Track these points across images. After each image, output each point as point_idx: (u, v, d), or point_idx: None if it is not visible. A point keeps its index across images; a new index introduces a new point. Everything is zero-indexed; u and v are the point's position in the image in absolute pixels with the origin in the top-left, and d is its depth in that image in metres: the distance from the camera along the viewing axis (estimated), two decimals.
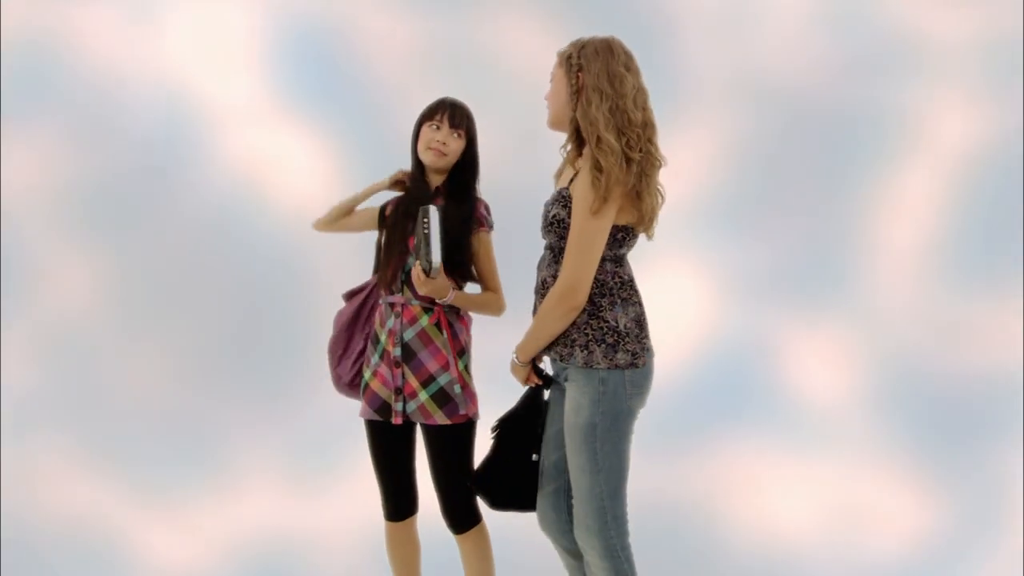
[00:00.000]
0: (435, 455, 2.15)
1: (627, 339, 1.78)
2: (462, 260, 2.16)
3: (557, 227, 1.81)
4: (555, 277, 1.82)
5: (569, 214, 1.79)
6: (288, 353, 2.76)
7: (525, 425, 1.94)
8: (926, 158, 2.76)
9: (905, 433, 2.65)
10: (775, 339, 2.70)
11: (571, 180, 1.84)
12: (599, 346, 1.77)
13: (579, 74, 1.81)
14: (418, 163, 2.22)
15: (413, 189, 2.22)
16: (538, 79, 2.07)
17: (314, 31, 2.82)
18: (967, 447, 2.59)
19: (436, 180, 2.23)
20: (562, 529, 1.90)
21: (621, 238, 1.81)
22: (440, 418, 2.09)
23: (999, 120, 2.73)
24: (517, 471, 1.93)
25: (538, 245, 1.95)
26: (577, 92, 1.81)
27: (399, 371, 2.12)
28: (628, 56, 1.84)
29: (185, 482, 2.47)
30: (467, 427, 2.12)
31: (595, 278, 1.78)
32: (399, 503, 2.17)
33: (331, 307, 2.23)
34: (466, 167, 2.24)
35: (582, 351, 1.77)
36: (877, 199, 2.79)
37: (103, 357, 2.71)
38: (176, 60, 2.77)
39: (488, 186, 2.24)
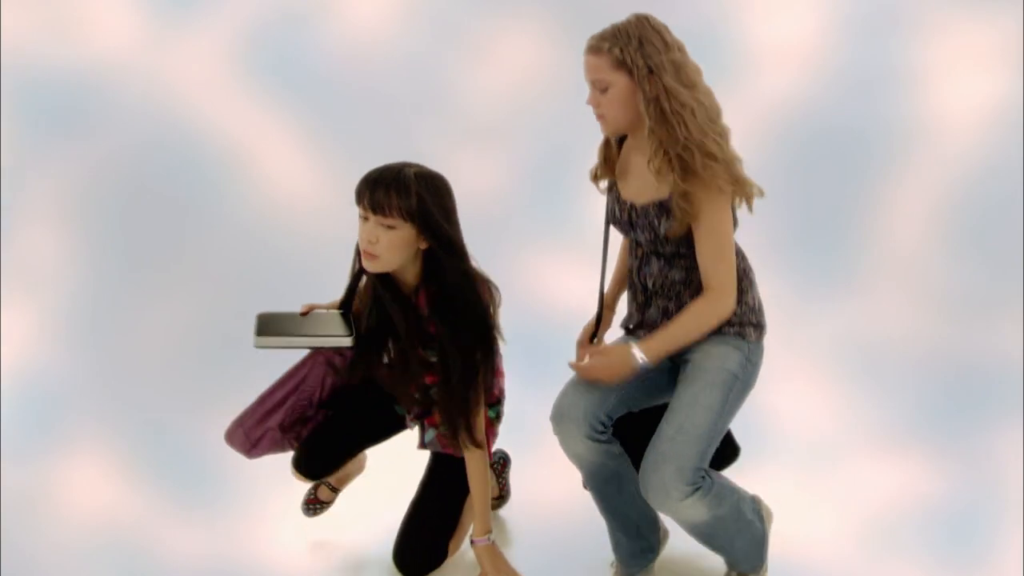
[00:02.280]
0: (431, 481, 1.90)
1: (761, 315, 1.80)
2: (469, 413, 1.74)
3: (671, 240, 1.76)
4: (683, 282, 1.77)
5: (678, 223, 1.72)
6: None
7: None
8: (929, 148, 2.77)
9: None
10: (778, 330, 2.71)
11: (677, 189, 1.68)
12: (749, 327, 1.76)
13: (651, 78, 1.65)
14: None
15: (376, 294, 1.75)
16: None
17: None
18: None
19: (412, 280, 1.74)
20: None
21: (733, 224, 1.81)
22: (456, 450, 1.81)
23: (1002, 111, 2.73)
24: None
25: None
26: (654, 100, 1.66)
27: (415, 416, 1.94)
28: (670, 33, 1.70)
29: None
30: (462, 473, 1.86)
31: None
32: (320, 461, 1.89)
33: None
34: (434, 274, 1.68)
35: (735, 335, 1.78)
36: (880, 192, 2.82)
37: (104, 344, 2.70)
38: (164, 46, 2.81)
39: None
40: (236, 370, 2.36)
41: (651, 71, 1.64)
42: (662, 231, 1.73)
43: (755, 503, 1.79)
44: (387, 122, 2.48)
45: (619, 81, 1.68)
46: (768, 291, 1.87)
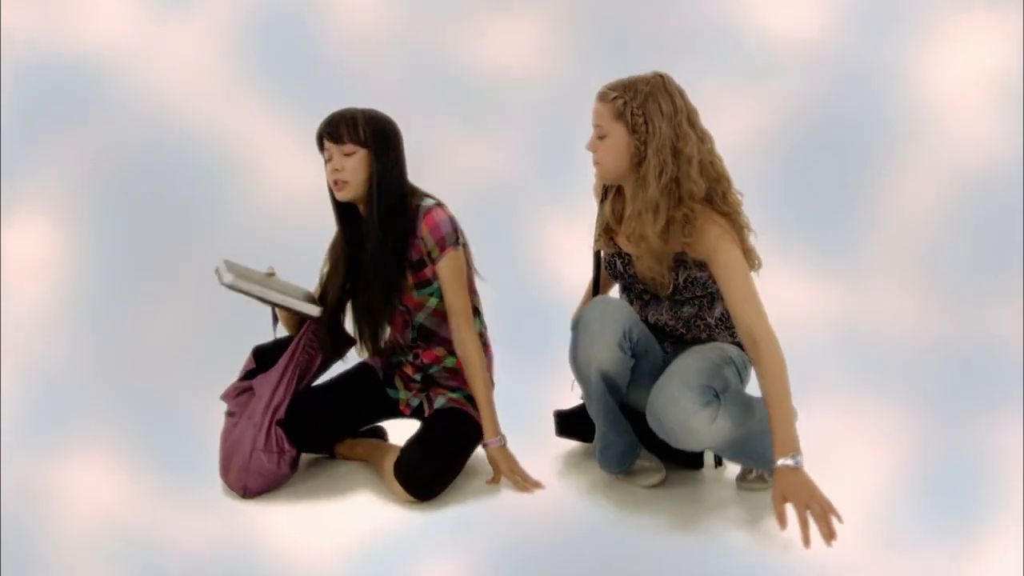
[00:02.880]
0: (436, 421, 1.98)
1: None
2: (397, 302, 1.97)
3: (691, 286, 1.83)
4: (694, 317, 1.86)
5: (696, 271, 1.78)
6: None
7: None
8: (933, 131, 2.79)
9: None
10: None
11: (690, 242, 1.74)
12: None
13: (646, 140, 1.71)
14: (339, 207, 1.97)
15: (344, 231, 1.98)
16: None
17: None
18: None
19: (365, 212, 1.94)
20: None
21: None
22: (447, 403, 2.01)
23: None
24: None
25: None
26: (639, 152, 1.72)
27: (419, 390, 2.08)
28: (683, 97, 1.75)
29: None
30: (472, 423, 1.99)
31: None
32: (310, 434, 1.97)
33: None
34: (382, 186, 1.90)
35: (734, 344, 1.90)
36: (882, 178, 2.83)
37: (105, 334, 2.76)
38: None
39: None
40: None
41: (648, 131, 1.68)
42: (681, 280, 1.78)
43: None
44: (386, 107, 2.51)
45: (616, 132, 1.73)
46: (773, 277, 1.88)
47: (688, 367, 1.73)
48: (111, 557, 1.73)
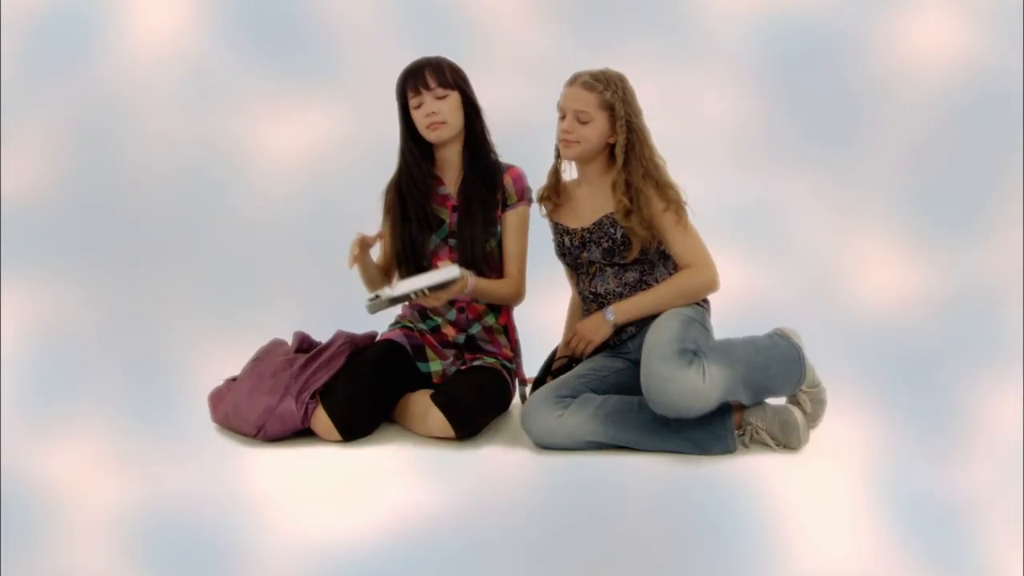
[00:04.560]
0: (466, 371, 2.06)
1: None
2: (483, 260, 2.08)
3: (628, 245, 2.05)
4: (637, 283, 2.06)
5: (630, 231, 2.02)
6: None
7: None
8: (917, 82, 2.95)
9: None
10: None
11: (625, 208, 2.01)
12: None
13: (628, 122, 2.01)
14: (413, 141, 2.08)
15: (413, 172, 2.08)
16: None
17: None
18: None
19: (447, 155, 2.10)
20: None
21: None
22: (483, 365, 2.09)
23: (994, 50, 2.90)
24: None
25: None
26: (624, 138, 2.00)
27: (455, 356, 2.13)
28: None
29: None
30: (503, 378, 2.10)
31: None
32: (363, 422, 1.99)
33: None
34: (468, 132, 2.08)
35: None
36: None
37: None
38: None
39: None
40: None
41: (629, 122, 2.01)
42: (618, 234, 2.01)
43: (773, 332, 2.01)
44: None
45: (600, 119, 2.02)
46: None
47: (657, 343, 1.88)
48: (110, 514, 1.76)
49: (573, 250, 2.12)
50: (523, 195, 2.13)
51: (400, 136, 2.13)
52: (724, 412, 1.92)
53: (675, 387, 1.81)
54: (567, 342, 2.16)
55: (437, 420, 1.95)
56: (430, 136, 2.06)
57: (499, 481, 1.82)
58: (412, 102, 2.05)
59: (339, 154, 3.03)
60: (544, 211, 2.19)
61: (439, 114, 2.03)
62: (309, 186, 3.01)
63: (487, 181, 2.10)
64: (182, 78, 3.02)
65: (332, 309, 2.54)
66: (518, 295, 2.15)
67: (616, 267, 2.07)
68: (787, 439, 1.91)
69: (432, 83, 2.02)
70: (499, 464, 1.89)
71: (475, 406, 1.98)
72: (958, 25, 3.03)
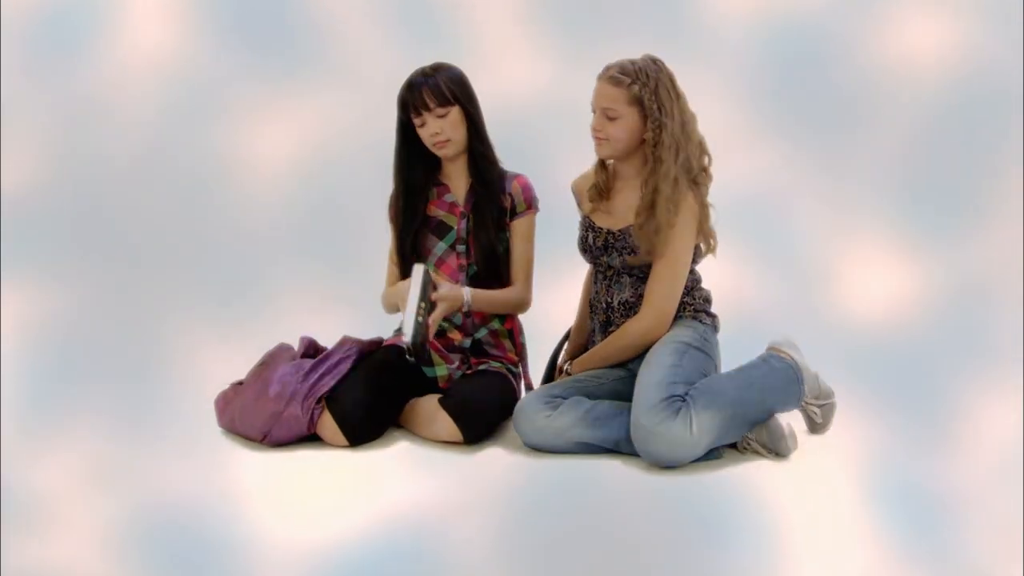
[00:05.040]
0: (472, 375, 2.09)
1: (710, 307, 2.06)
2: (497, 267, 2.10)
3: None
4: (638, 298, 1.99)
5: (639, 238, 1.96)
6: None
7: None
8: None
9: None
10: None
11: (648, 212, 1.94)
12: (703, 314, 2.03)
13: (660, 124, 1.90)
14: (415, 149, 2.07)
15: (412, 180, 2.09)
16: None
17: None
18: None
19: (454, 163, 2.10)
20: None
21: (694, 257, 2.02)
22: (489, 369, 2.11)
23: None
24: None
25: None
26: (655, 135, 1.92)
27: (461, 361, 2.13)
28: (677, 84, 1.97)
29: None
30: (509, 382, 2.13)
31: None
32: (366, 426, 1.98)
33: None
34: (482, 135, 2.08)
35: (691, 317, 2.04)
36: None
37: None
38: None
39: None
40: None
41: (662, 115, 1.90)
42: (644, 251, 1.96)
43: (768, 353, 1.97)
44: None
45: (630, 116, 1.92)
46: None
47: (646, 387, 1.85)
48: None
49: (595, 250, 2.08)
50: (531, 203, 2.14)
51: (396, 144, 2.13)
52: None
53: (662, 440, 1.78)
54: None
55: (445, 424, 1.97)
56: (439, 153, 2.08)
57: (496, 484, 1.86)
58: (415, 122, 2.06)
59: (338, 153, 3.05)
60: (584, 209, 2.12)
61: (442, 133, 2.04)
62: (307, 185, 3.04)
63: (495, 188, 2.11)
64: (175, 78, 3.05)
65: (339, 314, 2.57)
66: (524, 303, 2.16)
67: (635, 277, 2.03)
68: (776, 447, 1.93)
69: (432, 103, 2.02)
70: (496, 467, 1.92)
71: (483, 410, 2.00)
72: (949, 25, 3.06)
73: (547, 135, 2.77)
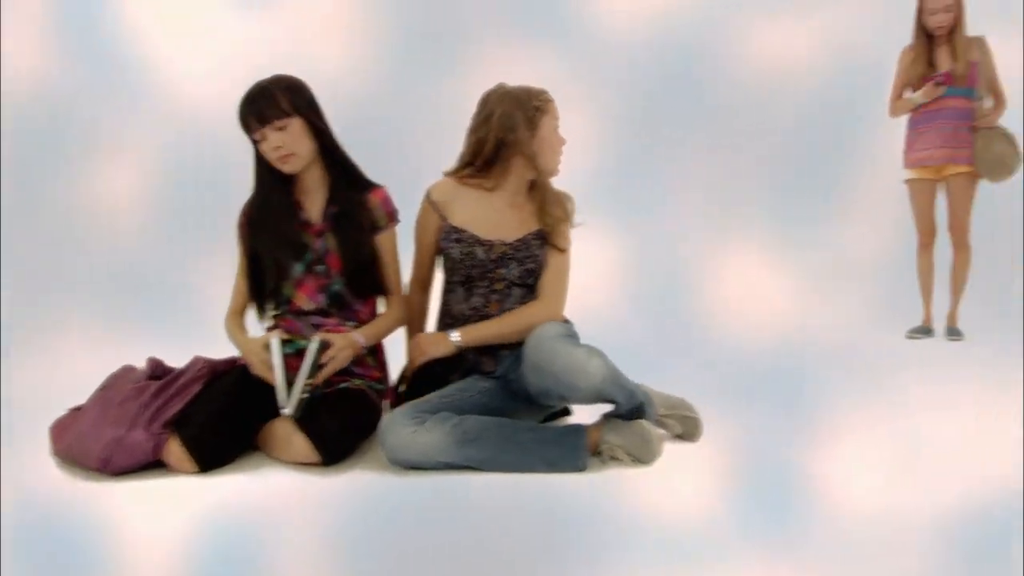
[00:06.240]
0: (328, 396, 2.00)
1: None
2: (369, 281, 2.07)
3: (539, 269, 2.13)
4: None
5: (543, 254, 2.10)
6: None
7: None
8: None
9: None
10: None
11: (544, 224, 2.11)
12: None
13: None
14: (263, 172, 2.00)
15: (272, 197, 2.00)
16: None
17: None
18: None
19: (307, 179, 2.03)
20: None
21: None
22: (351, 388, 2.04)
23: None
24: None
25: None
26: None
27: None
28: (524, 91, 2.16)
29: None
30: (375, 405, 2.08)
31: None
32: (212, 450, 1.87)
33: None
34: (324, 153, 2.01)
35: None
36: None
37: None
38: None
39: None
40: None
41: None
42: (541, 257, 2.06)
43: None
44: None
45: (554, 126, 2.12)
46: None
47: (547, 329, 1.95)
48: None
49: (488, 264, 2.09)
50: (392, 216, 2.11)
51: (254, 162, 2.05)
52: (578, 431, 1.97)
53: (564, 360, 1.88)
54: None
55: (301, 446, 1.91)
56: (284, 169, 2.00)
57: (355, 504, 1.81)
58: (254, 138, 1.97)
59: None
60: (455, 221, 2.11)
61: (284, 146, 1.95)
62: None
63: (355, 201, 2.05)
64: None
65: (190, 334, 2.45)
66: (404, 318, 2.16)
67: (525, 288, 2.10)
68: (642, 453, 1.97)
69: (268, 115, 1.93)
70: (356, 487, 1.88)
71: (340, 430, 1.94)
72: (816, 32, 3.29)
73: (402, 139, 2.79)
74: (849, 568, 1.51)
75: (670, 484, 1.90)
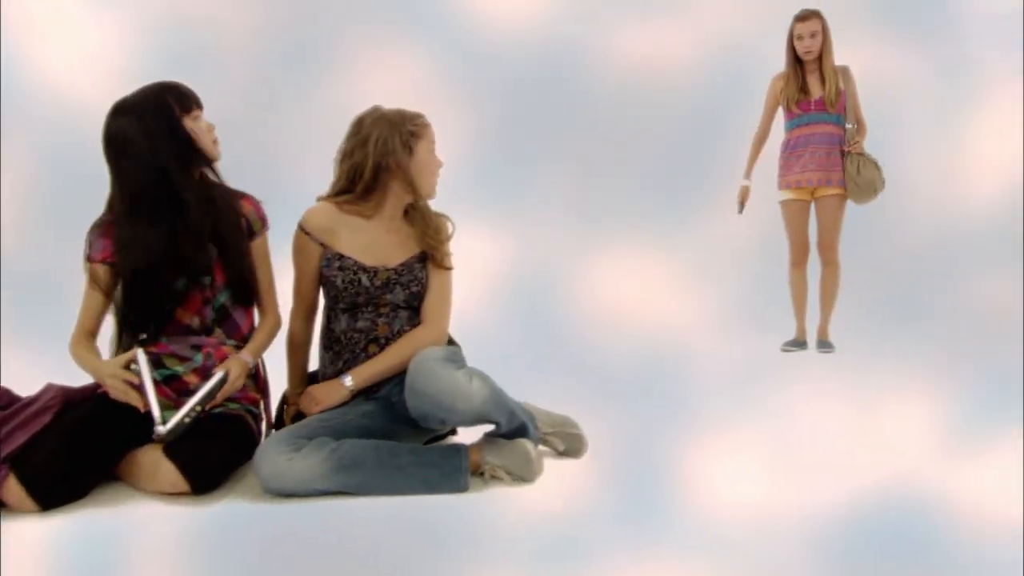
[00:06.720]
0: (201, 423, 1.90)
1: None
2: (254, 290, 2.04)
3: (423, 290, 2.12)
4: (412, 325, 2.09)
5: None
6: None
7: None
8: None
9: None
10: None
11: (425, 247, 2.11)
12: None
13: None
14: (154, 169, 1.91)
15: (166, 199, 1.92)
16: None
17: None
18: None
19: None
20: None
21: None
22: (225, 412, 1.97)
23: None
24: None
25: None
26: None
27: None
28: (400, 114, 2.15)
29: None
30: (251, 432, 2.02)
31: None
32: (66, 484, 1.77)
33: None
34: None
35: None
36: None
37: None
38: None
39: None
40: None
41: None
42: (424, 276, 2.08)
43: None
44: None
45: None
46: None
47: (428, 353, 1.93)
48: None
49: (373, 290, 2.06)
50: (264, 222, 2.09)
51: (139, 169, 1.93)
52: (459, 452, 1.96)
53: (444, 383, 1.87)
54: (295, 400, 2.11)
55: (169, 474, 1.81)
56: (215, 152, 2.02)
57: (227, 536, 1.72)
58: (192, 115, 1.98)
59: None
60: (341, 248, 2.07)
61: (214, 130, 2.02)
62: None
63: (230, 210, 2.01)
64: None
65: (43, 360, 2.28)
66: (279, 325, 2.11)
67: (411, 310, 2.09)
68: (523, 471, 1.97)
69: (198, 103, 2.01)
70: (228, 517, 1.79)
71: (212, 457, 1.86)
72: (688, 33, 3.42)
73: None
74: (722, 567, 1.54)
75: (547, 497, 1.89)
